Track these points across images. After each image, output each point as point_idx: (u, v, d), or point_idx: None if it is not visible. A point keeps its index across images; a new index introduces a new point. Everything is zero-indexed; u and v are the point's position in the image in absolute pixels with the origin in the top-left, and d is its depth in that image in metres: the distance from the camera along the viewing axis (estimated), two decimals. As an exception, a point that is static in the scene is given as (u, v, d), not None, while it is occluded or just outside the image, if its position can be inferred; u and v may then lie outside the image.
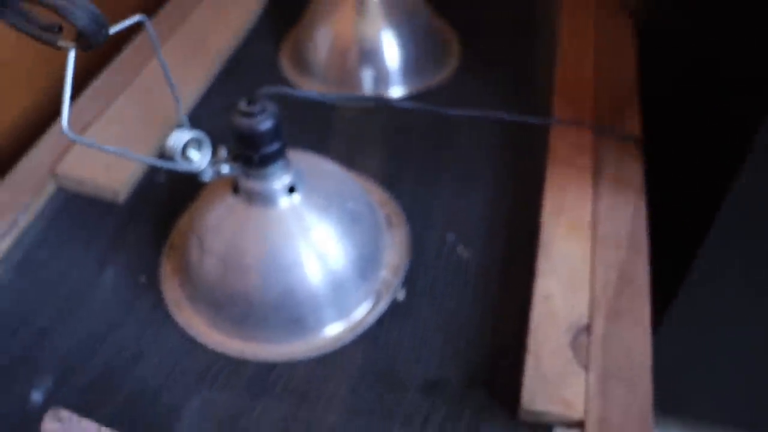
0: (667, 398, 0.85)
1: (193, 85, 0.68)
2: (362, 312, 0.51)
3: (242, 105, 0.45)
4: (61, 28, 0.36)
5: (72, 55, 0.37)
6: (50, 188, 0.60)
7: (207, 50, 0.72)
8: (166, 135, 0.46)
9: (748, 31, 0.60)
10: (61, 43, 0.37)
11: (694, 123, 0.70)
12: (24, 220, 0.57)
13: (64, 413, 0.37)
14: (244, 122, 0.45)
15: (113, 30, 0.36)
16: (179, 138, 0.45)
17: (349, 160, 0.56)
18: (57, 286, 0.54)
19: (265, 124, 0.45)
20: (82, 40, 0.36)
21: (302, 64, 0.72)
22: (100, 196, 0.60)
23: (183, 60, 0.70)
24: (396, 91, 0.69)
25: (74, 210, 0.59)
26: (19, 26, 0.36)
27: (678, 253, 0.68)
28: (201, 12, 0.77)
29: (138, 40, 0.74)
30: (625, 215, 0.53)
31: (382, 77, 0.69)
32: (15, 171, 0.61)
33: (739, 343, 0.74)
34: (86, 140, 0.40)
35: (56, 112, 0.65)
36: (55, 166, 0.60)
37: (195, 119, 0.53)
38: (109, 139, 0.61)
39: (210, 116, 0.66)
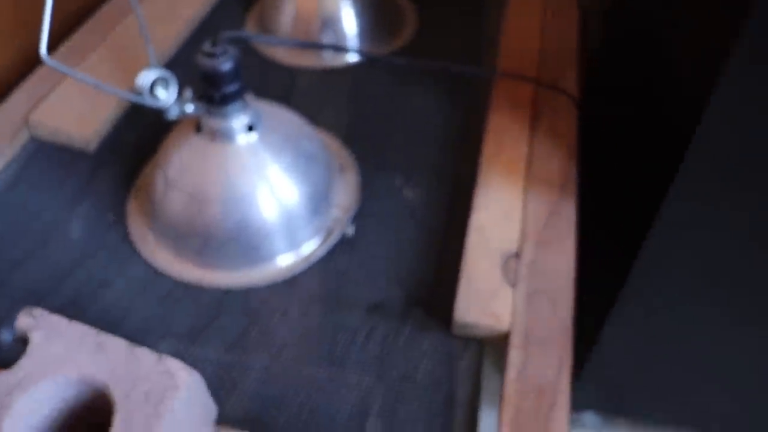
0: (614, 399, 0.89)
1: (161, 50, 0.72)
2: (313, 245, 0.55)
3: (206, 46, 0.49)
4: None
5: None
6: (24, 136, 0.63)
7: (176, 17, 0.76)
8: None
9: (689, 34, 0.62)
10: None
11: (634, 126, 0.73)
12: (-2, 165, 0.61)
13: (37, 311, 0.40)
14: (207, 62, 0.49)
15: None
16: (147, 76, 0.50)
17: (308, 116, 0.60)
18: (30, 223, 0.57)
19: (226, 64, 0.49)
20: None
21: (268, 31, 0.76)
22: (72, 145, 0.63)
23: (152, 26, 0.74)
24: (354, 57, 0.74)
25: (47, 156, 0.63)
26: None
27: (621, 252, 0.70)
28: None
29: (110, 4, 0.77)
30: (558, 160, 0.58)
31: (341, 44, 0.74)
32: (-11, 120, 0.64)
33: (684, 342, 0.76)
34: (63, 67, 0.43)
35: (29, 71, 0.69)
36: (28, 116, 0.63)
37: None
38: (83, 90, 0.65)
39: (178, 76, 0.70)
